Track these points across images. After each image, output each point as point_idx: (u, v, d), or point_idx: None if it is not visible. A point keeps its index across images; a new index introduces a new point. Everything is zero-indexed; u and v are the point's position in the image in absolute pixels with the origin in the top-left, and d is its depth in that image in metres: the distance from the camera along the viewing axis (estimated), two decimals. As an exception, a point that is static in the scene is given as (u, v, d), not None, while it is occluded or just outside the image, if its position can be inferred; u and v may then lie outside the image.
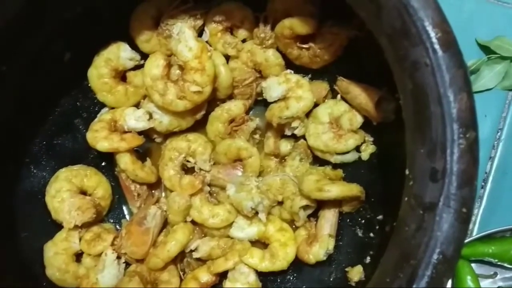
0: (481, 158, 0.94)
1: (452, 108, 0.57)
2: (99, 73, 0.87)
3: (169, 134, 0.91)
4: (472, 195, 0.57)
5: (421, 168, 0.59)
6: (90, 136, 0.86)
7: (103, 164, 0.93)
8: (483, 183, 0.96)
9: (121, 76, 0.91)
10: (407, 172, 0.62)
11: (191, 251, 0.86)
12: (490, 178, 0.96)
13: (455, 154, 0.57)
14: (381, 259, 0.63)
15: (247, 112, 0.92)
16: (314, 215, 0.88)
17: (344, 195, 0.81)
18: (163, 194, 0.92)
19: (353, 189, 0.81)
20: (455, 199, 0.57)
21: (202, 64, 0.80)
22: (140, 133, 0.88)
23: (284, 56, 0.88)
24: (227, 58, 0.89)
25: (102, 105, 0.92)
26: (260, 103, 0.93)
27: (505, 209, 0.95)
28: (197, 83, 0.81)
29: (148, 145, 0.93)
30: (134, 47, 0.89)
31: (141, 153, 0.92)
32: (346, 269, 0.84)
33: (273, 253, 0.84)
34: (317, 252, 0.84)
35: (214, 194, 0.91)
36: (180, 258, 0.88)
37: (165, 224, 0.89)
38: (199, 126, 0.91)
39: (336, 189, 0.80)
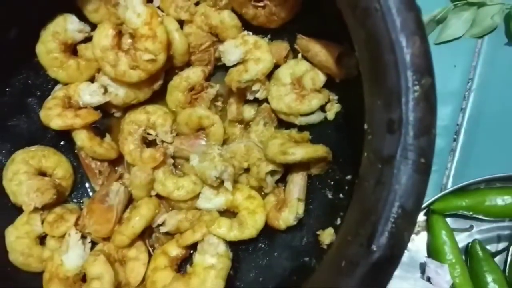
0: (452, 110, 0.95)
1: (405, 54, 0.54)
2: (48, 48, 0.84)
3: (128, 108, 0.88)
4: (430, 144, 0.55)
5: (378, 120, 0.57)
6: (43, 115, 0.83)
7: (62, 143, 0.91)
8: (455, 136, 0.94)
9: (72, 49, 0.87)
10: (365, 126, 0.60)
11: (159, 225, 0.85)
12: (462, 130, 0.94)
13: (410, 102, 0.54)
14: (344, 217, 0.61)
15: (207, 79, 0.89)
16: (282, 180, 0.87)
17: (310, 156, 0.78)
18: (126, 170, 0.89)
19: (319, 150, 0.79)
20: (412, 149, 0.54)
21: (153, 30, 0.77)
22: (97, 108, 0.85)
23: (240, 17, 0.85)
24: (181, 23, 0.85)
25: (56, 82, 0.88)
26: (221, 68, 0.89)
27: (479, 161, 0.93)
28: (149, 51, 0.78)
29: (108, 121, 0.91)
30: (83, 18, 0.86)
31: (101, 130, 0.90)
32: (318, 232, 0.81)
33: (242, 221, 0.83)
34: (287, 217, 0.82)
35: (179, 166, 0.89)
36: (148, 233, 0.87)
37: (131, 200, 0.87)
38: (159, 97, 0.89)
39: (301, 151, 0.78)
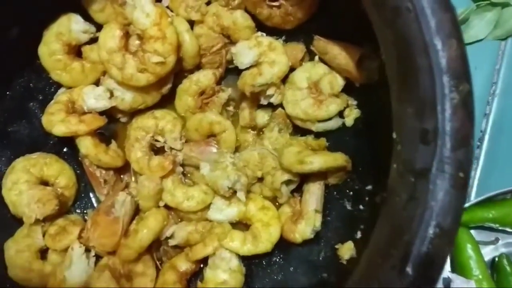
0: (476, 115, 0.89)
1: (441, 58, 0.51)
2: (51, 49, 0.81)
3: (135, 113, 0.85)
4: (469, 157, 0.51)
5: (409, 129, 0.53)
6: (45, 120, 0.79)
7: (65, 150, 0.87)
8: (479, 143, 0.90)
9: (76, 51, 0.84)
10: (394, 135, 0.56)
11: (167, 238, 0.81)
12: (486, 137, 0.89)
13: (447, 110, 0.50)
14: (372, 234, 0.57)
15: (218, 82, 0.86)
16: (298, 190, 0.83)
17: (328, 166, 0.75)
18: (133, 179, 0.86)
19: (338, 159, 0.76)
20: (449, 162, 0.50)
21: (162, 31, 0.74)
22: (103, 113, 0.82)
23: (254, 17, 0.82)
24: (191, 23, 0.82)
25: (59, 85, 0.85)
26: (233, 71, 0.86)
27: (504, 169, 0.89)
28: (159, 53, 0.75)
29: (114, 127, 0.88)
30: (88, 18, 0.83)
31: (107, 136, 0.87)
32: (336, 246, 0.78)
33: (256, 234, 0.80)
34: (304, 230, 0.79)
35: (188, 175, 0.86)
36: (156, 246, 0.83)
37: (137, 211, 0.83)
38: (167, 102, 0.86)
39: (319, 160, 0.74)
